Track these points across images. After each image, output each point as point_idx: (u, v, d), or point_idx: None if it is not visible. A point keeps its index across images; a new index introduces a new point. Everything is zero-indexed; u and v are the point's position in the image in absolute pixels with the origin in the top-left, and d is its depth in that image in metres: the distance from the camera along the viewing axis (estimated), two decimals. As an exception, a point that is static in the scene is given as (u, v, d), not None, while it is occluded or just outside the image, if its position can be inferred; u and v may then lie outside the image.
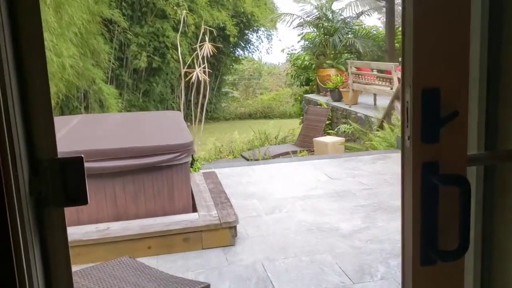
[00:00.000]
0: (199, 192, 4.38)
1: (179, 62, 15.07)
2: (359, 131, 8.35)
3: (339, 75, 10.83)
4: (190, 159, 4.08)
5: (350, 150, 8.30)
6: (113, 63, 13.58)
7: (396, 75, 8.09)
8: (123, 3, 13.91)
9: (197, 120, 6.65)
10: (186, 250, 3.60)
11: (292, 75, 15.65)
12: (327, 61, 11.81)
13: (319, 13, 12.20)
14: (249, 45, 23.20)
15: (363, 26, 14.11)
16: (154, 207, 3.93)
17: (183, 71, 6.40)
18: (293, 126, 14.29)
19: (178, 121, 4.99)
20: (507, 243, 1.11)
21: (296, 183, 5.31)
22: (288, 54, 17.22)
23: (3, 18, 0.82)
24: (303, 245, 3.60)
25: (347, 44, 11.87)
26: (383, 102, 9.17)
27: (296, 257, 3.40)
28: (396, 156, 6.41)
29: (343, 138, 8.69)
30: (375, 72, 9.32)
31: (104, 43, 12.32)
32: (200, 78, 6.32)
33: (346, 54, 12.64)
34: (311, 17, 12.43)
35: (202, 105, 6.64)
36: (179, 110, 18.55)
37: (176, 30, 15.46)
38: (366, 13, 12.84)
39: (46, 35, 8.20)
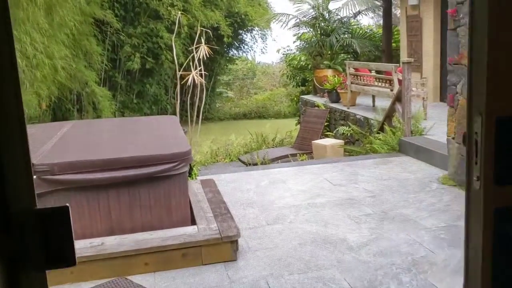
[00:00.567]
0: (197, 202, 4.19)
1: (173, 63, 14.89)
2: (359, 133, 8.18)
3: (336, 76, 10.65)
4: (188, 168, 3.88)
5: (349, 153, 8.13)
6: (106, 65, 13.34)
7: (397, 76, 7.92)
8: (116, 4, 13.67)
9: (194, 122, 6.45)
10: (185, 266, 3.40)
11: (288, 76, 15.48)
12: (324, 62, 11.63)
13: (315, 13, 12.01)
14: (243, 45, 23.02)
15: (359, 26, 13.95)
16: (151, 219, 3.73)
17: (178, 73, 6.18)
18: (289, 126, 14.11)
19: (175, 127, 4.79)
20: None
21: (297, 190, 5.13)
22: (283, 54, 17.03)
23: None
24: (309, 259, 3.41)
25: (344, 44, 11.70)
26: (382, 103, 9.01)
27: (302, 273, 3.21)
28: (398, 160, 6.25)
29: (342, 141, 8.51)
30: (374, 73, 9.15)
31: (97, 45, 12.08)
32: (196, 81, 6.11)
33: (342, 55, 12.47)
34: (307, 17, 12.24)
35: (199, 108, 6.44)
36: (174, 112, 18.38)
37: (169, 30, 15.24)
38: (363, 12, 12.67)
39: (37, 37, 7.97)
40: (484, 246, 0.78)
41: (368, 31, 13.78)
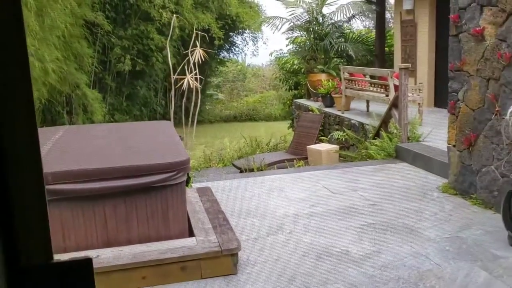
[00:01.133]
0: (195, 213, 4.06)
1: (167, 66, 14.73)
2: (354, 138, 8.11)
3: (330, 80, 10.59)
4: (186, 177, 3.75)
5: (344, 159, 8.06)
6: (96, 67, 13.14)
7: (392, 81, 7.87)
8: (107, 6, 13.48)
9: (187, 126, 6.33)
10: (183, 280, 3.28)
11: (280, 79, 15.39)
12: (318, 66, 11.56)
13: (309, 17, 11.94)
14: (234, 47, 22.95)
15: (352, 30, 13.92)
16: (148, 231, 3.60)
17: (173, 77, 6.04)
18: (282, 129, 14.04)
19: (171, 133, 4.65)
20: None
21: (296, 198, 5.02)
22: (275, 57, 16.97)
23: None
24: (313, 273, 3.30)
25: (339, 49, 11.64)
26: (376, 108, 8.96)
27: (306, 288, 3.11)
28: (396, 167, 6.18)
29: (337, 146, 8.44)
30: (369, 78, 9.09)
31: (87, 47, 11.88)
32: (191, 85, 5.98)
33: (336, 59, 12.41)
34: (301, 20, 12.16)
35: (193, 112, 6.32)
36: (165, 114, 18.20)
37: (160, 32, 15.09)
38: (357, 17, 12.64)
39: (28, 40, 7.77)
40: None
41: (361, 35, 13.76)
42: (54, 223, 3.36)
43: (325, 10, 12.27)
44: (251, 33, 22.39)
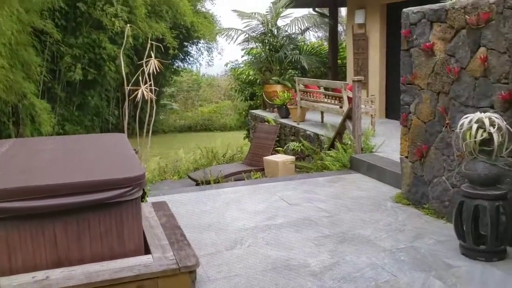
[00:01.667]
0: (151, 229, 3.94)
1: (120, 75, 14.39)
2: (310, 149, 8.20)
3: (285, 91, 10.70)
4: (141, 192, 3.63)
5: (300, 169, 8.12)
6: (45, 76, 12.68)
7: (346, 93, 8.03)
8: (56, 13, 13.05)
9: (140, 137, 6.17)
10: (140, 299, 3.16)
11: (236, 90, 15.42)
12: (273, 77, 11.66)
13: (264, 29, 12.05)
14: (189, 57, 22.83)
15: (306, 42, 14.15)
16: (101, 249, 3.45)
17: (127, 88, 5.90)
18: (238, 139, 14.03)
19: (125, 147, 4.51)
20: None
21: (254, 210, 4.99)
22: (231, 68, 17.00)
23: None
24: (272, 288, 3.27)
25: (293, 60, 11.79)
26: (330, 119, 9.13)
27: (266, 304, 3.07)
28: (351, 178, 6.27)
29: (293, 157, 8.50)
30: (323, 90, 9.25)
31: (35, 55, 11.44)
32: (146, 96, 5.86)
33: (290, 70, 12.57)
34: (256, 32, 12.25)
35: (148, 124, 6.17)
36: (117, 124, 17.77)
37: (112, 41, 14.77)
38: (310, 29, 12.87)
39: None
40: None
41: (314, 47, 14.02)
42: (-1, 244, 3.17)
43: (280, 22, 12.44)
44: (206, 43, 22.35)
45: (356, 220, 4.62)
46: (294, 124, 9.66)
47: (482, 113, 3.63)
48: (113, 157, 4.21)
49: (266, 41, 11.94)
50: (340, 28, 20.86)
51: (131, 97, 6.10)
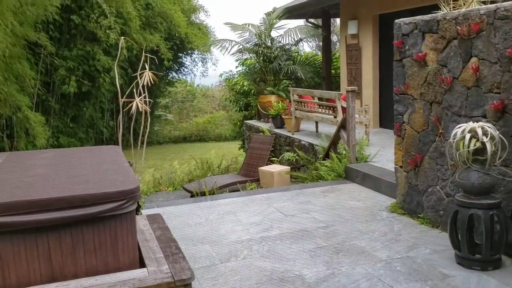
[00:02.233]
0: (146, 242, 3.91)
1: (114, 87, 14.38)
2: (305, 159, 8.20)
3: (280, 101, 10.73)
4: (136, 205, 3.62)
5: (296, 179, 8.12)
6: (39, 89, 12.65)
7: (340, 103, 8.06)
8: (50, 26, 13.06)
9: (137, 148, 6.15)
10: (134, 313, 3.13)
11: (230, 100, 15.45)
12: (268, 88, 11.70)
13: (258, 40, 12.11)
14: (183, 67, 22.87)
15: (300, 53, 14.23)
16: (96, 263, 3.42)
17: (121, 100, 5.89)
18: (233, 150, 14.04)
19: (119, 159, 4.49)
20: None
21: (249, 222, 4.98)
22: (225, 78, 17.04)
23: None
24: (268, 300, 3.25)
25: (288, 71, 11.85)
26: (325, 129, 9.16)
27: (262, 317, 3.05)
28: (346, 188, 6.28)
29: (289, 167, 8.50)
30: (317, 100, 9.28)
31: (30, 68, 11.43)
32: (140, 108, 5.85)
33: (285, 81, 12.62)
34: (250, 43, 12.31)
35: (143, 136, 6.16)
36: (112, 136, 17.74)
37: (107, 53, 14.78)
38: (304, 40, 12.95)
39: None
40: None
41: (308, 58, 14.09)
42: (-8, 259, 3.14)
43: (274, 33, 12.50)
44: (200, 54, 22.41)
45: (352, 231, 4.62)
46: (289, 134, 9.68)
47: (475, 123, 3.65)
48: (107, 170, 4.20)
49: (260, 52, 11.99)
50: (334, 37, 21.02)
51: (125, 109, 6.10)
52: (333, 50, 14.97)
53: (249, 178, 8.75)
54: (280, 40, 12.47)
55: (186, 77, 24.69)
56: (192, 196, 7.63)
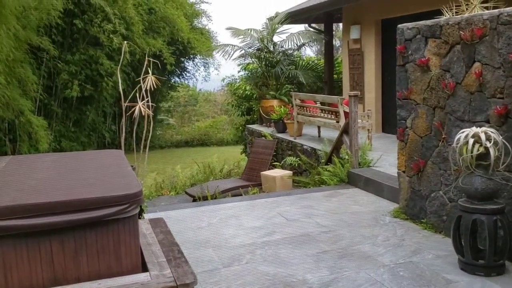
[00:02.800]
0: (148, 246, 3.91)
1: (117, 91, 14.40)
2: (307, 163, 8.20)
3: (282, 106, 10.74)
4: (138, 209, 3.62)
5: (298, 184, 8.11)
6: (41, 93, 12.68)
7: (342, 108, 8.06)
8: (53, 30, 13.11)
9: (140, 153, 6.16)
10: (137, 318, 3.12)
11: (232, 105, 15.46)
12: (270, 92, 11.71)
13: (260, 45, 12.14)
14: (185, 72, 22.88)
15: (302, 58, 14.25)
16: (98, 267, 3.42)
17: (124, 104, 5.91)
18: (235, 154, 14.02)
19: (122, 163, 4.50)
20: None
21: (252, 226, 4.97)
22: (227, 83, 17.06)
23: None
24: (271, 305, 3.24)
25: (289, 75, 11.86)
26: (327, 134, 9.15)
27: (265, 322, 3.04)
28: (349, 193, 6.27)
29: (291, 172, 8.49)
30: (320, 105, 9.29)
31: (32, 72, 11.46)
32: (143, 113, 5.87)
33: (287, 85, 12.64)
34: (252, 48, 12.34)
35: (145, 140, 6.17)
36: (114, 140, 17.75)
37: (110, 57, 14.81)
38: (307, 44, 12.97)
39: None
40: None
41: (310, 62, 14.11)
42: (-5, 263, 3.14)
43: (276, 38, 12.52)
44: (202, 58, 22.44)
45: (355, 235, 4.61)
46: (291, 138, 9.68)
47: (478, 128, 3.65)
48: (110, 174, 4.20)
49: (262, 57, 12.02)
50: (337, 42, 21.06)
51: (128, 114, 6.11)
52: (335, 55, 14.99)
53: (251, 182, 8.74)
54: (282, 45, 12.49)
55: (188, 82, 24.72)
56: (194, 200, 7.63)
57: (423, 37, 4.64)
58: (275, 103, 11.31)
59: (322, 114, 8.99)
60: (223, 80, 18.25)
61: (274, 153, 9.78)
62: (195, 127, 24.02)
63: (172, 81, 22.36)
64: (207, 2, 24.59)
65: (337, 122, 8.35)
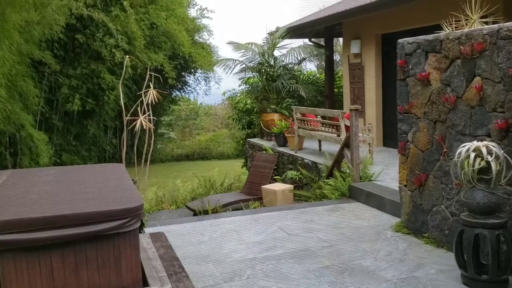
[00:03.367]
0: (148, 260, 3.89)
1: (118, 105, 14.43)
2: (308, 177, 8.18)
3: (283, 120, 10.76)
4: (139, 224, 3.60)
5: (299, 198, 8.09)
6: (42, 107, 12.72)
7: (343, 122, 8.07)
8: (55, 44, 13.20)
9: (141, 166, 6.16)
10: (137, 334, 3.09)
11: (233, 118, 15.49)
12: (271, 106, 11.75)
13: (261, 59, 12.20)
14: (186, 86, 22.98)
15: (303, 72, 14.31)
16: (99, 281, 3.39)
17: (125, 119, 5.92)
18: (236, 168, 14.00)
19: (123, 177, 4.49)
20: None
21: (252, 241, 4.94)
22: (228, 96, 17.11)
23: None
24: (272, 321, 3.21)
25: (290, 89, 11.91)
26: (328, 148, 9.14)
27: (266, 338, 3.01)
28: (350, 207, 6.25)
29: (292, 186, 8.47)
30: (320, 119, 9.30)
31: (34, 86, 11.51)
32: (144, 126, 5.88)
33: (287, 99, 12.68)
34: (253, 62, 12.40)
35: (146, 154, 6.17)
36: (115, 154, 17.75)
37: (111, 71, 14.89)
38: (307, 59, 13.04)
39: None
40: None
41: (311, 76, 14.17)
42: (-6, 277, 3.12)
43: (276, 53, 12.59)
44: (203, 72, 22.54)
45: (357, 250, 4.58)
46: (292, 152, 9.67)
47: (479, 142, 3.64)
48: (111, 187, 4.19)
49: (263, 71, 12.07)
50: (337, 56, 21.17)
51: (129, 127, 6.12)
52: (335, 69, 15.06)
53: (252, 196, 8.72)
54: (283, 59, 12.56)
55: (189, 96, 24.81)
56: (195, 214, 7.60)
57: (423, 51, 4.67)
58: (276, 117, 11.33)
59: (323, 128, 8.99)
60: (224, 94, 18.31)
61: (275, 167, 9.76)
62: (195, 141, 24.05)
63: (173, 95, 22.45)
64: (208, 17, 24.73)
65: (338, 136, 8.35)
